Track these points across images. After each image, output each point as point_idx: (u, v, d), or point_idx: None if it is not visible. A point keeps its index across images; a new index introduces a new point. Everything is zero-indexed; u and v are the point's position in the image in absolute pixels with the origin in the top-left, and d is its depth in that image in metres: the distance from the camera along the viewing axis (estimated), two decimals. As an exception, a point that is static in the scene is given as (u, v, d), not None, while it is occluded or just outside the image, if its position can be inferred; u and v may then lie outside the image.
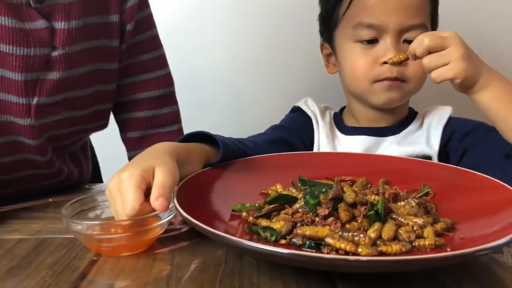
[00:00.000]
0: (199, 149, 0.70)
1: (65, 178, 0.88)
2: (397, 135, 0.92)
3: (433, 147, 0.87)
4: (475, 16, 1.24)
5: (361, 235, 0.49)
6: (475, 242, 0.47)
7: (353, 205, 0.56)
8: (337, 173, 0.71)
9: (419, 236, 0.51)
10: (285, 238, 0.52)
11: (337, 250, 0.48)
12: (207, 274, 0.50)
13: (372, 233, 0.50)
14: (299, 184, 0.68)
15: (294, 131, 0.94)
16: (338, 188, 0.58)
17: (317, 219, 0.54)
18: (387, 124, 0.93)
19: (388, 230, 0.51)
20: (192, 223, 0.50)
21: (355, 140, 0.92)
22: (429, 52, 0.70)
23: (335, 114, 1.00)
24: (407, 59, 0.76)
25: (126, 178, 0.55)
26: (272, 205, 0.59)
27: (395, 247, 0.48)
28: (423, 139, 0.89)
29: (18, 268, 0.53)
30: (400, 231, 0.52)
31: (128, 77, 0.90)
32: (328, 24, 0.93)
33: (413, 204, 0.58)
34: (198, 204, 0.59)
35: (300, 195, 0.61)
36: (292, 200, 0.60)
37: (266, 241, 0.52)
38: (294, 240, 0.51)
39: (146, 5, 0.90)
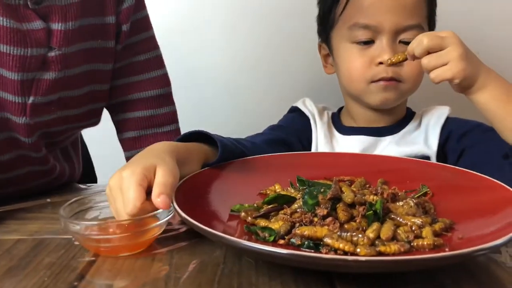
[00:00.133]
0: (198, 149, 0.70)
1: (58, 175, 0.89)
2: (395, 135, 0.92)
3: (431, 147, 0.87)
4: (472, 17, 1.24)
5: (360, 235, 0.49)
6: (473, 242, 0.47)
7: (352, 205, 0.56)
8: (336, 173, 0.71)
9: (418, 236, 0.51)
10: (284, 238, 0.52)
11: (335, 250, 0.48)
12: (206, 274, 0.50)
13: (370, 233, 0.50)
14: (297, 184, 0.68)
15: (292, 131, 0.93)
16: (336, 188, 0.58)
17: (315, 219, 0.54)
18: (385, 124, 0.93)
19: (386, 230, 0.51)
20: (190, 223, 0.50)
21: (353, 140, 0.92)
22: (428, 52, 0.71)
23: (333, 114, 1.00)
24: (406, 59, 0.76)
25: (127, 176, 0.55)
26: (271, 205, 0.59)
27: (393, 247, 0.48)
28: (421, 139, 0.89)
29: (16, 269, 0.53)
30: (398, 231, 0.52)
31: (124, 77, 0.90)
32: (325, 24, 0.93)
33: (412, 204, 0.58)
34: (196, 204, 0.59)
35: (299, 195, 0.61)
36: (290, 200, 0.60)
37: (264, 241, 0.52)
38: (292, 240, 0.51)
39: (143, 7, 0.90)
